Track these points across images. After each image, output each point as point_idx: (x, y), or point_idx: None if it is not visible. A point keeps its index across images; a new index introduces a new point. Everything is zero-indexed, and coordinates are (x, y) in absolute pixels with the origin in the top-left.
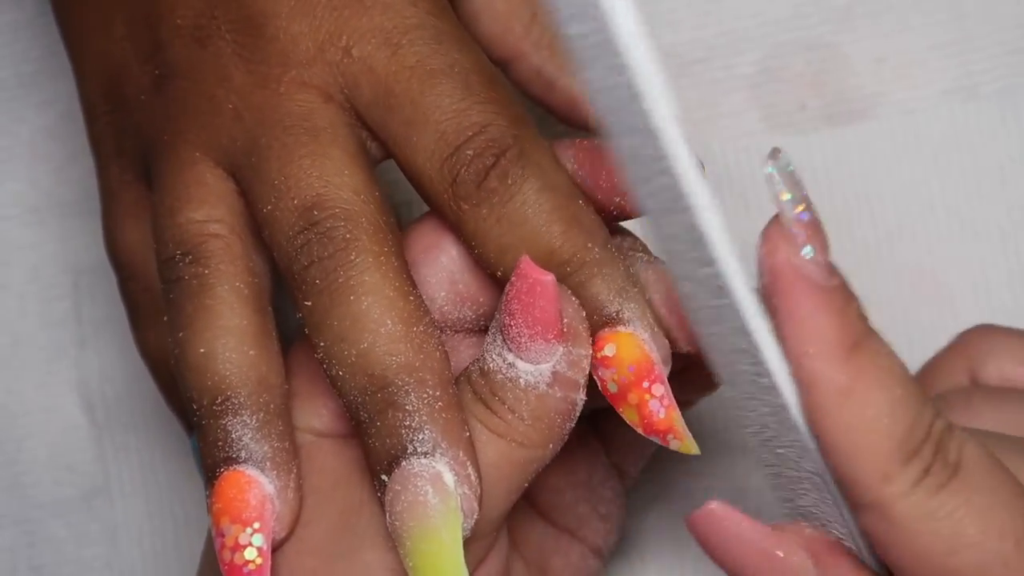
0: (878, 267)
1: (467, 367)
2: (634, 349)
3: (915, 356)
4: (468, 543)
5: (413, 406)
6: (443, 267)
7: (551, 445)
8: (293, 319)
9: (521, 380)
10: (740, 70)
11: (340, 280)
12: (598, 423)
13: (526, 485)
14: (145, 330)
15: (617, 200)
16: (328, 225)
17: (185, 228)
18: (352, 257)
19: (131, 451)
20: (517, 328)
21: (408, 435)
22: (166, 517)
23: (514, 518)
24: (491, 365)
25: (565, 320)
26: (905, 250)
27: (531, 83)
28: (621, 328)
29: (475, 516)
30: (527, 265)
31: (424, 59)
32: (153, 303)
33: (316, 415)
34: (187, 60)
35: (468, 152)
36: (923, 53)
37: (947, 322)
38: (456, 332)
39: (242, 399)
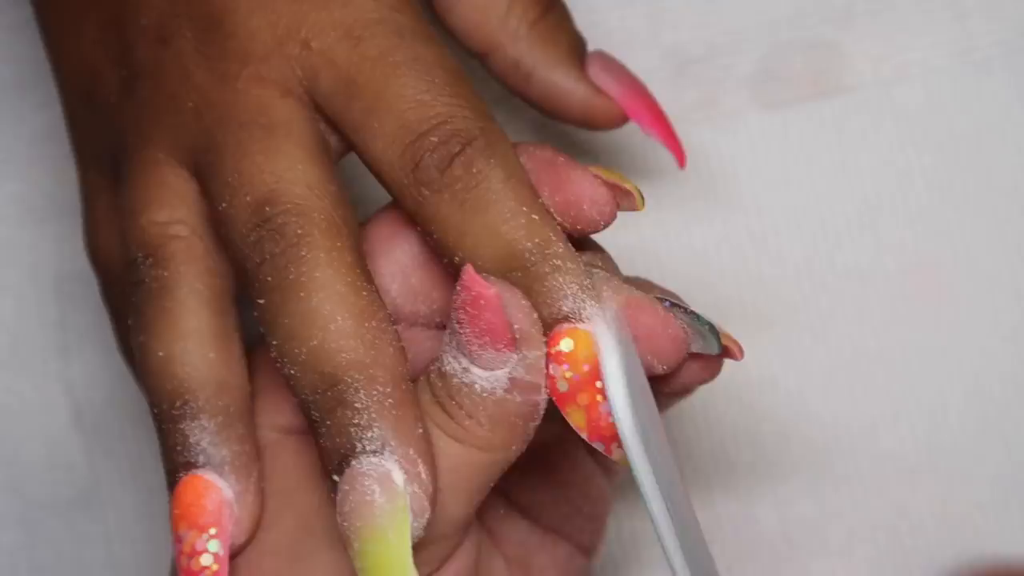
0: (858, 237)
1: (428, 367)
2: (591, 347)
3: (901, 328)
4: (427, 544)
5: (362, 403)
6: (397, 260)
7: (513, 447)
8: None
9: (477, 385)
10: (740, 70)
11: (291, 277)
12: None
13: (491, 485)
14: (128, 335)
15: (558, 219)
16: (280, 221)
17: (147, 230)
18: (303, 253)
19: (120, 457)
20: (467, 337)
21: (357, 433)
22: (158, 522)
23: (493, 516)
24: (448, 368)
25: (516, 327)
26: (885, 223)
27: (508, 75)
28: (580, 325)
29: (426, 515)
30: (470, 277)
31: (386, 52)
32: None
33: (279, 411)
34: (151, 60)
35: (432, 139)
36: (923, 52)
37: (931, 293)
38: (415, 326)
39: (200, 403)
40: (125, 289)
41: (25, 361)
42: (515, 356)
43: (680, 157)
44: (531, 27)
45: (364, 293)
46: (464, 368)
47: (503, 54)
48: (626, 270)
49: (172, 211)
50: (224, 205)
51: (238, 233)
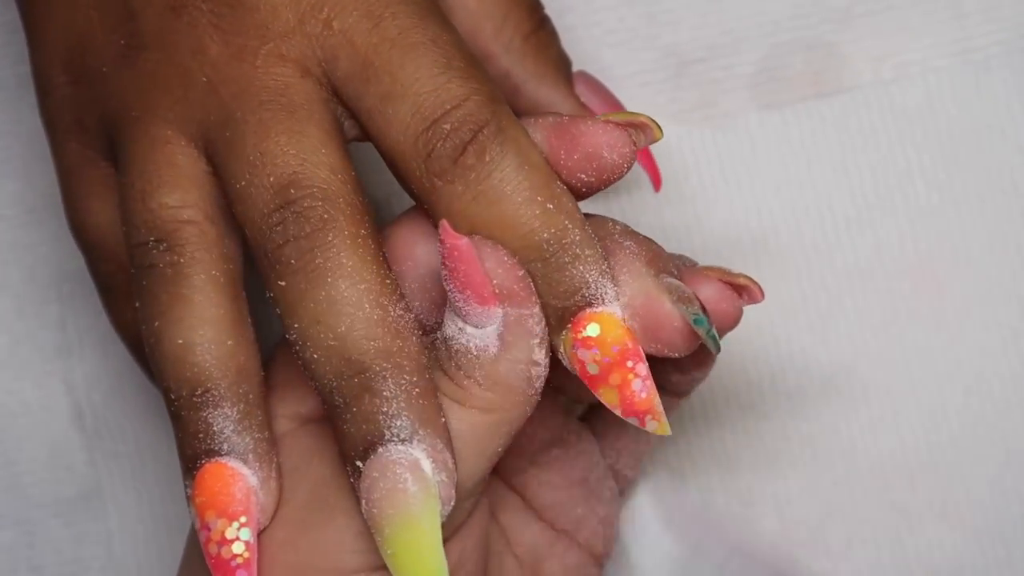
0: (857, 236)
1: (432, 337)
2: (617, 328)
3: (901, 328)
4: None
5: (391, 392)
6: (419, 270)
7: (515, 409)
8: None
9: (472, 345)
10: (740, 70)
11: (317, 261)
12: (594, 423)
13: (500, 451)
14: (123, 310)
15: (583, 176)
16: (305, 204)
17: (158, 213)
18: (329, 238)
19: (121, 457)
20: (453, 294)
21: (385, 421)
22: (159, 522)
23: (509, 515)
24: (447, 331)
25: (495, 282)
26: (885, 223)
27: (498, 85)
28: (602, 308)
29: (452, 503)
30: (444, 231)
31: (405, 32)
32: (128, 283)
33: (302, 401)
34: (159, 31)
35: (445, 126)
36: (923, 52)
37: (931, 293)
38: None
39: (223, 391)
40: (131, 270)
41: (25, 361)
42: (500, 311)
43: (656, 180)
44: (524, 39)
45: (387, 281)
46: (460, 329)
47: (495, 64)
48: None
49: (184, 194)
50: (243, 184)
51: (258, 213)
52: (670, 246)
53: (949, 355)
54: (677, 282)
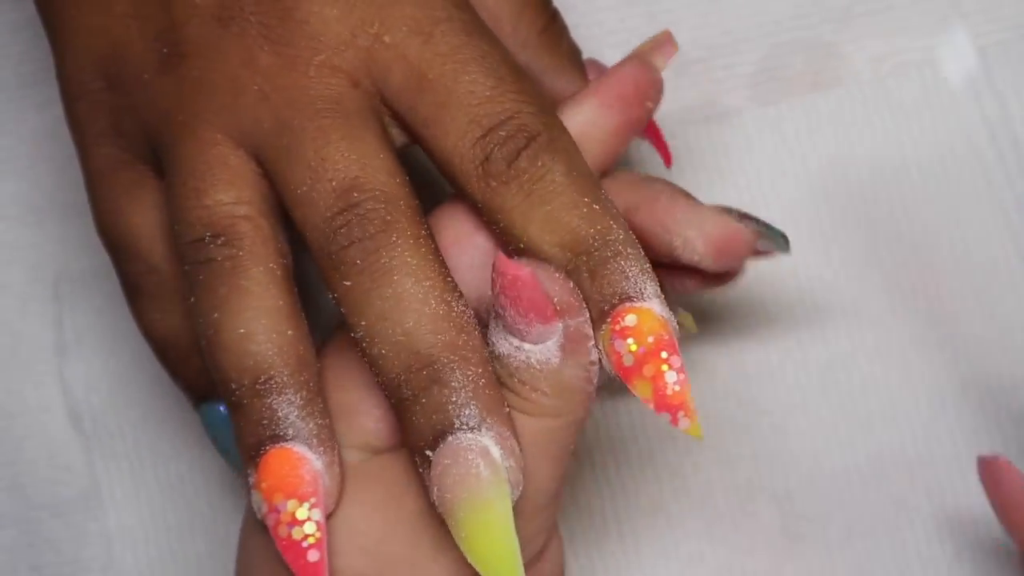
0: (854, 230)
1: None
2: (654, 321)
3: (897, 321)
4: (528, 518)
5: (459, 383)
6: (469, 262)
7: (581, 408)
8: (326, 308)
9: (533, 360)
10: (740, 70)
11: (383, 260)
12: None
13: (571, 449)
14: (150, 312)
15: (649, 105)
16: (368, 207)
17: (214, 210)
18: (393, 238)
19: (121, 457)
20: (512, 318)
21: (455, 411)
22: (158, 522)
23: None
24: (501, 350)
25: (556, 300)
26: (881, 212)
27: None
28: (641, 304)
29: (520, 487)
30: (502, 262)
31: (456, 48)
32: (159, 284)
33: (371, 432)
34: (205, 40)
35: (501, 133)
36: (923, 52)
37: (927, 281)
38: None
39: (285, 377)
40: (184, 267)
41: (25, 361)
42: (560, 325)
43: (667, 157)
44: (539, 35)
45: (448, 279)
46: (516, 347)
47: None
48: None
49: (239, 192)
50: (304, 189)
51: (320, 216)
52: None
53: (946, 348)
54: (723, 206)
